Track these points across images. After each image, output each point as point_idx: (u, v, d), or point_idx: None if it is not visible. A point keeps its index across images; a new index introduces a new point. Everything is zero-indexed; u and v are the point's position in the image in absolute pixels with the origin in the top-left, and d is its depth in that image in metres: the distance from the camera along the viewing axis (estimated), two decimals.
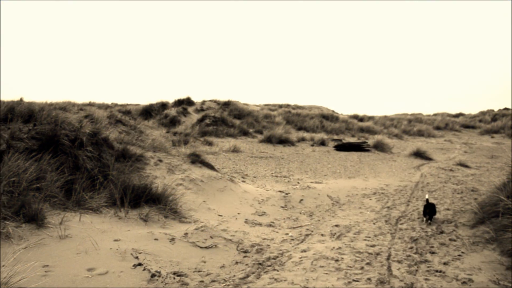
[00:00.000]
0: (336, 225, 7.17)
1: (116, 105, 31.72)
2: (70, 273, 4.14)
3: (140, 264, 4.55)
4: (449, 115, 45.60)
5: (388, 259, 5.27)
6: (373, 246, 5.85)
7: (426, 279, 4.61)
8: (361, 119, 36.60)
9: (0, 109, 7.75)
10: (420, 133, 29.57)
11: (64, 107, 14.18)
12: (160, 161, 9.06)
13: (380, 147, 19.69)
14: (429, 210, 7.26)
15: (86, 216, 5.87)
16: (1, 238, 4.71)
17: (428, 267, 5.00)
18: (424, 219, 7.26)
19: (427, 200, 7.58)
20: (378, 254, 5.47)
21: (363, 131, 28.40)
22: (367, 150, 19.16)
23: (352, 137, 25.99)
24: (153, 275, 4.34)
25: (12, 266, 3.57)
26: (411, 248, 5.74)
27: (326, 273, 4.76)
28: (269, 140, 20.08)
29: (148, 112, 26.06)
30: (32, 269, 3.77)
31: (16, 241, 4.71)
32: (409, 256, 5.39)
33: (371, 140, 21.25)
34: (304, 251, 5.65)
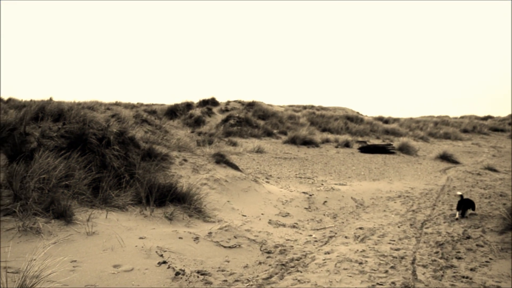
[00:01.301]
0: (360, 228, 7.11)
1: (141, 104, 32.15)
2: (97, 269, 4.22)
3: (164, 262, 4.60)
4: (477, 117, 44.61)
5: (413, 263, 5.20)
6: (397, 249, 5.78)
7: (452, 285, 4.53)
8: (386, 121, 36.16)
9: (32, 108, 7.96)
10: (446, 136, 29.01)
11: (92, 107, 14.47)
12: (185, 160, 9.15)
13: (405, 149, 19.42)
14: (464, 205, 7.67)
15: (113, 213, 5.99)
16: (32, 233, 4.85)
17: (454, 272, 4.91)
18: (457, 213, 7.64)
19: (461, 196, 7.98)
20: (402, 258, 5.40)
21: (388, 133, 28.05)
22: (392, 153, 18.92)
23: (377, 139, 25.72)
24: (177, 273, 4.39)
25: (43, 260, 3.66)
26: (437, 252, 5.65)
27: (350, 276, 4.73)
28: (293, 141, 20.02)
29: (173, 112, 26.32)
30: (61, 264, 3.86)
31: (46, 236, 4.84)
32: (435, 260, 5.30)
33: (396, 142, 20.96)
34: (328, 253, 5.62)
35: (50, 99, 16.97)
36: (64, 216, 5.33)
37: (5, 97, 23.80)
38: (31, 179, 5.76)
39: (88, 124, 7.78)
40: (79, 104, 15.80)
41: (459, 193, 8.16)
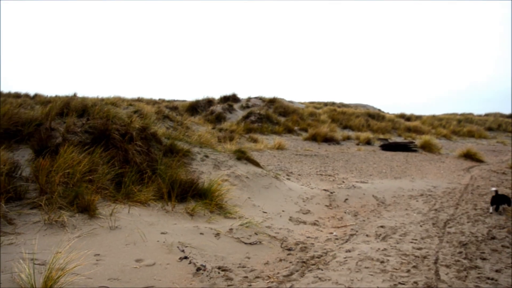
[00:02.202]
0: (382, 226, 7.04)
1: (163, 101, 32.43)
2: (120, 263, 4.28)
3: (186, 257, 4.64)
4: (502, 115, 43.65)
5: (435, 263, 5.13)
6: (419, 249, 5.71)
7: (476, 286, 4.45)
8: (408, 118, 35.72)
9: (57, 104, 8.09)
10: (470, 134, 28.53)
11: (115, 103, 14.67)
12: (207, 156, 9.19)
13: (427, 147, 19.15)
14: (496, 200, 7.84)
15: (135, 208, 6.05)
16: (57, 226, 4.95)
17: (478, 273, 4.82)
18: (491, 208, 7.85)
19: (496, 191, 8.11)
20: (425, 257, 5.33)
21: (410, 131, 27.75)
22: (414, 151, 18.69)
23: (399, 137, 25.46)
24: (198, 269, 4.42)
25: (67, 253, 3.74)
26: (460, 253, 5.55)
27: (371, 275, 4.70)
28: (314, 138, 19.97)
29: (194, 108, 26.49)
30: (85, 257, 3.93)
31: (70, 230, 4.93)
32: (458, 261, 5.22)
33: (418, 140, 20.72)
34: (349, 251, 5.59)
35: (74, 95, 17.29)
36: (88, 210, 5.42)
37: (31, 93, 24.43)
38: (56, 173, 5.86)
39: (111, 119, 7.87)
40: (102, 100, 16.07)
41: (493, 189, 8.24)
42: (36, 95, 24.03)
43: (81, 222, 5.20)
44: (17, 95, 24.04)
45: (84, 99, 9.56)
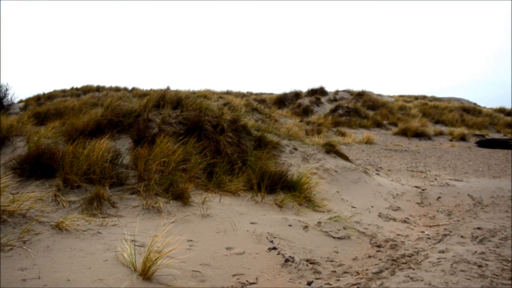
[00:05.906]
0: (478, 228, 6.60)
1: (251, 94, 32.96)
2: (211, 249, 4.42)
3: (274, 248, 4.68)
4: None
5: None
6: None
7: None
8: (508, 113, 33.12)
9: (153, 97, 8.54)
10: None
11: (206, 95, 15.15)
12: (295, 149, 9.20)
13: None
14: None
15: (225, 198, 6.22)
16: (154, 211, 5.24)
17: None
18: None
19: None
20: None
21: (510, 127, 25.75)
22: None
23: (497, 133, 23.75)
24: (286, 260, 4.45)
25: (164, 238, 3.94)
26: None
27: (468, 279, 4.42)
28: (404, 133, 19.27)
29: (281, 101, 26.62)
30: (179, 242, 4.11)
31: (165, 216, 5.19)
32: None
33: None
34: (442, 252, 5.31)
35: (168, 88, 18.12)
36: (181, 198, 5.66)
37: (129, 87, 26.13)
38: (153, 162, 6.19)
39: (203, 111, 8.15)
40: (194, 93, 16.68)
41: None
42: (133, 89, 25.59)
43: (175, 208, 5.46)
44: (117, 89, 25.77)
45: (177, 92, 9.97)
